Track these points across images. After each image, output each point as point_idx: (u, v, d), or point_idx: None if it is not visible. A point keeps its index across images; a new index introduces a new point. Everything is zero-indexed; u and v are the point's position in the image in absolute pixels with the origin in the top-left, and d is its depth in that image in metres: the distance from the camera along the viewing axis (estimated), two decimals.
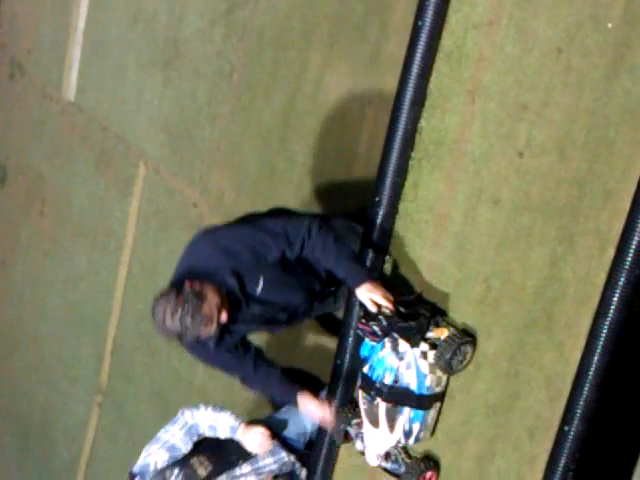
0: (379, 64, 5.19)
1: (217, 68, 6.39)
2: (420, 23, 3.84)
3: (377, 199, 4.08)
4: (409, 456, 4.16)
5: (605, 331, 3.37)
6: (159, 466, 4.46)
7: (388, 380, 3.95)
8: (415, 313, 3.92)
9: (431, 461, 4.10)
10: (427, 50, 3.86)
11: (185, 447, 4.52)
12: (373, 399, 4.00)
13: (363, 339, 4.04)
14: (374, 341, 3.95)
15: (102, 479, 8.27)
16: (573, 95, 3.49)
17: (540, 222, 3.62)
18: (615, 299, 3.33)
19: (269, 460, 4.58)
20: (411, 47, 3.89)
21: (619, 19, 3.35)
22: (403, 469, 4.12)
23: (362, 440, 4.21)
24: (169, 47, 6.84)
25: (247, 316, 4.10)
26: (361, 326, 3.96)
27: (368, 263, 4.11)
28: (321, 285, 4.27)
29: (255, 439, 4.53)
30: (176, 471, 4.43)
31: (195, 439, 4.57)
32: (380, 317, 3.89)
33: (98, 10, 7.75)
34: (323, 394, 4.43)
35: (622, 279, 3.31)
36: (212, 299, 3.86)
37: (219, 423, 4.54)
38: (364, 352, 4.07)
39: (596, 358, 3.41)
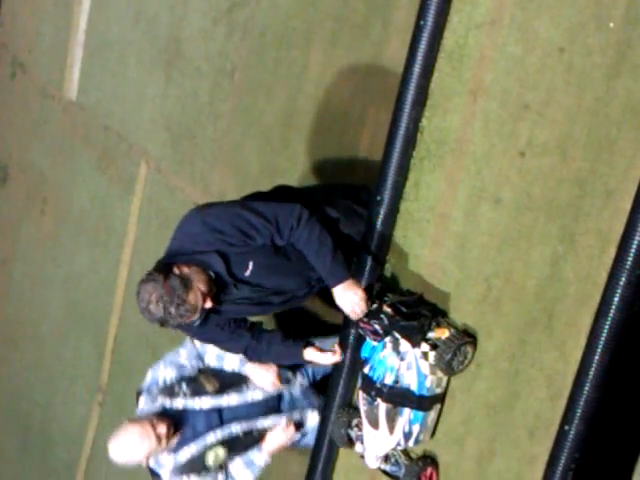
0: (381, 63, 5.19)
1: (219, 67, 6.39)
2: (422, 22, 3.84)
3: (378, 198, 4.08)
4: (409, 458, 4.16)
5: (606, 331, 3.37)
6: (168, 382, 4.44)
7: (389, 380, 3.95)
8: (416, 313, 3.92)
9: (430, 459, 4.09)
10: (429, 49, 3.86)
11: (192, 369, 4.50)
12: (373, 400, 4.00)
13: (364, 340, 4.05)
14: (375, 340, 3.95)
15: (102, 478, 8.26)
16: (575, 95, 3.49)
17: (541, 222, 3.62)
18: (616, 299, 3.33)
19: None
20: (413, 46, 3.89)
21: (621, 19, 3.35)
22: (403, 471, 4.12)
23: (362, 442, 4.21)
24: (171, 46, 6.85)
25: (236, 298, 4.09)
26: (362, 325, 3.97)
27: (369, 262, 4.12)
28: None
29: (266, 376, 4.50)
30: (184, 386, 4.40)
31: (201, 366, 4.55)
32: (382, 316, 3.89)
33: (100, 9, 7.76)
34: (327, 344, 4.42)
35: (623, 279, 3.31)
36: (198, 286, 3.85)
37: (227, 357, 4.52)
38: (365, 353, 4.07)
39: (597, 358, 3.41)
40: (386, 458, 4.15)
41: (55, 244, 8.56)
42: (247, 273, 4.02)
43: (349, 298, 3.95)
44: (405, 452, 4.16)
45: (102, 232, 7.86)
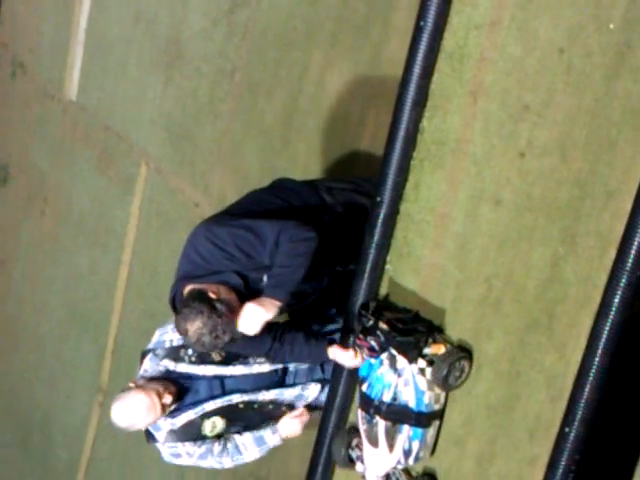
0: (381, 64, 5.19)
1: (219, 67, 6.39)
2: (422, 23, 3.83)
3: (378, 199, 4.08)
4: (410, 476, 4.15)
5: (606, 332, 3.37)
6: (174, 344, 4.43)
7: (387, 397, 3.95)
8: (412, 329, 3.93)
9: (431, 477, 4.09)
10: (429, 50, 3.85)
11: None
12: (372, 417, 4.01)
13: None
14: (372, 356, 3.96)
15: (102, 478, 8.27)
16: (575, 96, 3.49)
17: (542, 223, 3.62)
18: (616, 300, 3.33)
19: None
20: (413, 47, 3.89)
21: (621, 20, 3.35)
22: None
23: (362, 462, 4.20)
24: (171, 46, 6.85)
25: None
26: (359, 341, 3.98)
27: (369, 264, 4.12)
28: (332, 273, 4.26)
29: None
30: (190, 351, 4.39)
31: None
32: (378, 332, 3.90)
33: (100, 9, 7.76)
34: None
35: (623, 280, 3.31)
36: (233, 300, 3.89)
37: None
38: (362, 371, 4.07)
39: (597, 359, 3.41)
40: (387, 477, 4.15)
41: (55, 244, 8.57)
42: (262, 285, 4.03)
43: (258, 315, 3.92)
44: (406, 471, 4.16)
45: (102, 233, 7.86)
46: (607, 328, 3.36)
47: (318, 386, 4.60)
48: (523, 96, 3.65)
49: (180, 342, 4.38)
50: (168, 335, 4.43)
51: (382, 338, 3.89)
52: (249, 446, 4.53)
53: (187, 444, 4.41)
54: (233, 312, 3.85)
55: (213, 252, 3.97)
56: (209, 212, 6.43)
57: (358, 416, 4.11)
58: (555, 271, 3.59)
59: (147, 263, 7.34)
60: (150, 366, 4.41)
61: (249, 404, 4.46)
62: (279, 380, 4.55)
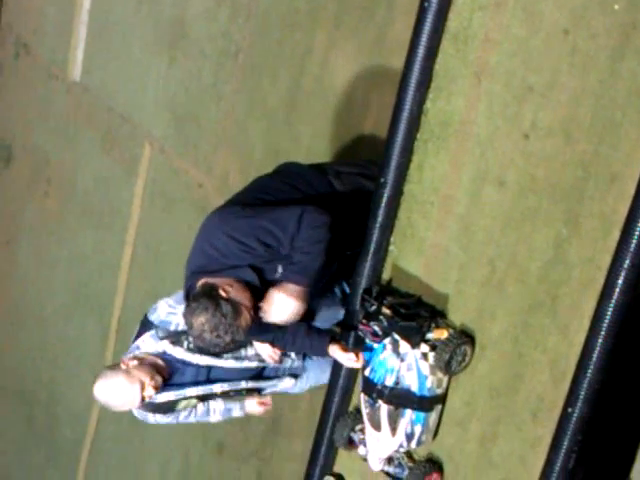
0: (385, 45, 5.18)
1: (222, 48, 6.38)
2: (426, 4, 3.82)
3: (382, 180, 4.08)
4: (412, 460, 4.17)
5: (609, 313, 3.37)
6: (179, 329, 4.45)
7: (389, 382, 3.96)
8: (415, 314, 3.94)
9: (434, 463, 4.11)
10: (433, 31, 3.84)
11: None
12: (375, 401, 4.01)
13: (364, 342, 4.06)
14: (374, 341, 3.97)
15: (106, 458, 8.31)
16: (579, 77, 3.48)
17: (545, 204, 3.62)
18: (620, 282, 3.33)
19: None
20: (417, 28, 3.88)
21: (626, 1, 3.33)
22: (406, 473, 4.13)
23: (365, 445, 4.22)
24: (174, 27, 6.84)
25: None
26: (362, 326, 3.98)
27: (372, 245, 4.12)
28: (341, 257, 4.28)
29: (267, 349, 4.52)
30: (191, 338, 4.42)
31: None
32: (380, 317, 3.91)
33: None
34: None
35: (627, 262, 3.31)
36: (245, 305, 3.89)
37: None
38: (365, 356, 4.08)
39: (600, 340, 3.41)
40: (389, 460, 4.16)
41: (59, 225, 8.58)
42: (277, 275, 4.03)
43: (285, 304, 3.97)
44: (409, 454, 4.17)
45: (106, 213, 7.87)
46: (610, 309, 3.37)
47: (292, 380, 4.70)
48: (527, 77, 3.64)
49: (184, 328, 4.40)
50: (175, 318, 4.44)
51: (385, 323, 3.90)
52: (217, 413, 4.64)
53: (157, 415, 4.53)
54: (239, 314, 3.85)
55: (230, 245, 3.93)
56: (212, 192, 6.44)
57: (361, 400, 4.12)
58: (559, 253, 3.59)
59: (151, 243, 7.35)
60: (148, 342, 4.43)
61: (226, 392, 4.55)
62: (258, 373, 4.61)
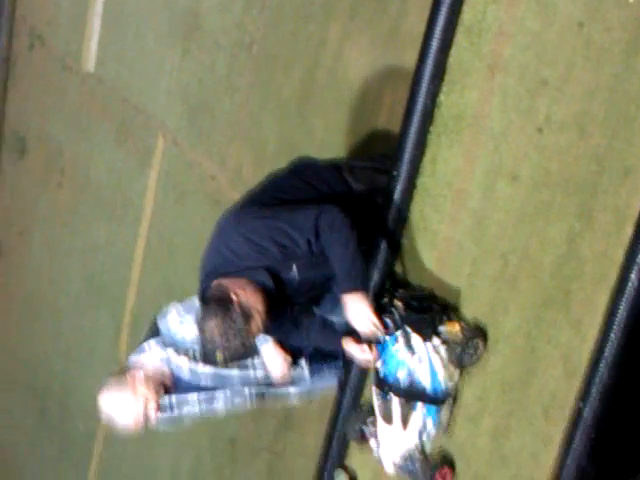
0: (399, 38, 5.16)
1: (236, 40, 6.37)
2: None
3: (395, 173, 4.08)
4: (424, 454, 4.16)
5: (622, 308, 3.37)
6: (187, 343, 4.46)
7: (401, 375, 3.96)
8: (427, 307, 3.93)
9: (446, 458, 4.10)
10: (447, 24, 3.83)
11: None
12: (386, 395, 4.02)
13: (383, 350, 4.06)
14: (386, 334, 3.96)
15: (118, 450, 8.32)
16: (593, 71, 3.46)
17: (559, 198, 3.61)
18: (633, 276, 3.33)
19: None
20: (431, 21, 3.87)
21: None
22: (418, 466, 4.13)
23: (376, 439, 4.22)
24: (188, 18, 6.83)
25: (284, 296, 4.09)
26: None
27: (384, 240, 4.11)
28: None
29: (278, 365, 4.50)
30: (197, 348, 4.42)
31: None
32: (392, 310, 3.90)
33: None
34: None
35: None
36: (257, 310, 3.87)
37: None
38: (377, 349, 4.07)
39: (613, 335, 3.40)
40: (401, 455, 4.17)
41: (73, 216, 8.59)
42: (292, 274, 4.01)
43: (358, 311, 3.93)
44: (420, 449, 4.17)
45: (119, 205, 7.88)
46: (623, 304, 3.36)
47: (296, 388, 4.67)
48: (541, 71, 3.62)
49: (193, 340, 4.42)
50: (184, 329, 4.44)
51: (397, 316, 3.90)
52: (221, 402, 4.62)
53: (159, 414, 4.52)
54: (250, 318, 3.83)
55: (246, 247, 3.92)
56: (226, 185, 6.43)
57: (373, 393, 4.12)
58: (572, 247, 3.57)
59: (164, 235, 7.36)
60: (154, 349, 4.44)
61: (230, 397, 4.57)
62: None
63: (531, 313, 3.74)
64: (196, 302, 4.17)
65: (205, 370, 4.43)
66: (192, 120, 6.87)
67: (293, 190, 4.18)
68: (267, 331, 4.21)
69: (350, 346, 4.19)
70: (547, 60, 3.60)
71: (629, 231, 3.36)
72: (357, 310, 3.92)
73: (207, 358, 4.35)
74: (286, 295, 4.11)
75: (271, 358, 4.49)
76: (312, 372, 4.67)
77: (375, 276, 4.16)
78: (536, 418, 3.74)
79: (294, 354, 4.56)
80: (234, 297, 3.84)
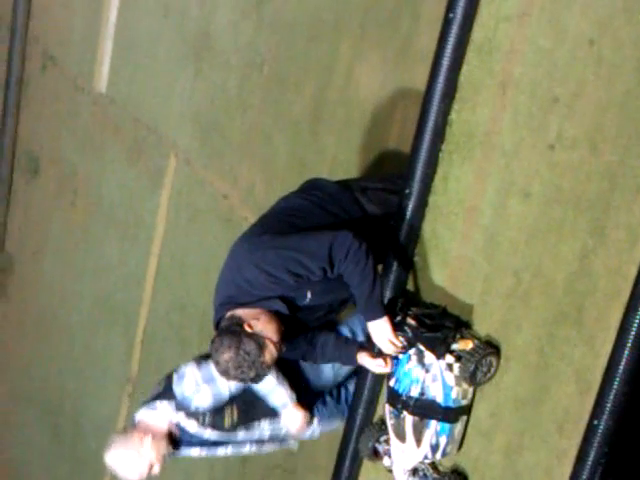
0: (410, 56, 5.18)
1: (248, 60, 6.40)
2: (451, 15, 3.83)
3: (407, 191, 4.08)
4: (437, 471, 4.16)
5: (636, 325, 3.36)
6: (199, 411, 4.47)
7: (414, 393, 3.96)
8: (440, 325, 3.94)
9: (460, 475, 4.09)
10: (458, 42, 3.85)
11: (226, 397, 4.52)
12: (400, 412, 4.02)
13: (396, 359, 4.06)
14: (400, 352, 3.96)
15: None
16: (605, 87, 3.47)
17: (571, 215, 3.61)
18: None
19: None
20: (442, 39, 3.88)
21: None
22: None
23: (390, 456, 4.21)
24: (200, 39, 6.86)
25: (299, 321, 4.11)
26: None
27: (397, 258, 4.12)
28: None
29: (299, 423, 4.56)
30: (208, 415, 4.44)
31: (239, 392, 4.55)
32: (405, 328, 3.91)
33: (129, 2, 7.78)
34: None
35: None
36: (271, 339, 3.87)
37: (275, 395, 4.52)
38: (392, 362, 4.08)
39: (626, 352, 3.40)
40: (414, 471, 4.15)
41: (85, 236, 8.62)
42: (307, 301, 4.02)
43: (382, 335, 3.97)
44: (434, 466, 4.16)
45: (131, 224, 7.90)
46: (637, 321, 3.35)
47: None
48: (553, 88, 3.64)
49: (204, 409, 4.45)
50: (198, 398, 4.45)
51: (410, 334, 3.90)
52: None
53: None
54: (264, 349, 3.83)
55: (260, 278, 3.89)
56: (238, 204, 6.45)
57: (386, 411, 4.12)
58: (584, 264, 3.57)
59: (176, 255, 7.37)
60: (166, 409, 4.48)
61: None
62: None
63: (544, 330, 3.74)
64: (213, 369, 4.15)
65: (212, 436, 4.53)
66: (204, 139, 6.90)
67: (305, 213, 4.16)
68: (282, 354, 4.22)
69: (365, 360, 4.20)
70: (558, 77, 3.62)
71: None
72: (381, 334, 3.96)
73: (215, 424, 4.42)
74: (301, 321, 4.13)
75: (293, 419, 4.54)
76: (320, 422, 4.73)
77: (388, 294, 4.17)
78: (550, 434, 3.74)
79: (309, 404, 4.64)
80: (248, 328, 3.84)
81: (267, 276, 3.88)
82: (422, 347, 3.91)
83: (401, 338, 3.94)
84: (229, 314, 3.95)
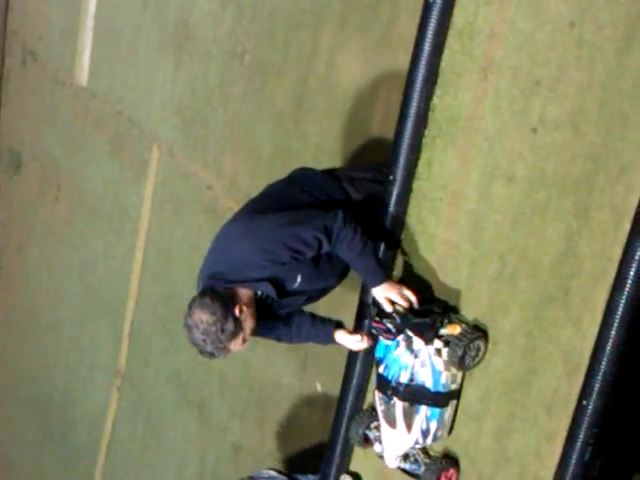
0: (391, 43, 5.18)
1: (228, 50, 6.38)
2: (431, 0, 3.83)
3: (391, 178, 4.09)
4: (428, 456, 4.17)
5: (622, 305, 3.38)
6: None
7: (404, 379, 3.97)
8: (428, 310, 3.94)
9: (451, 459, 4.11)
10: (439, 27, 3.85)
11: None
12: (390, 399, 4.03)
13: (377, 340, 4.06)
14: (388, 339, 3.97)
15: (122, 461, 8.32)
16: (586, 69, 3.48)
17: (555, 198, 3.62)
18: (631, 273, 3.34)
19: None
20: (422, 25, 3.88)
21: None
22: (423, 469, 4.13)
23: (380, 442, 4.22)
24: (180, 30, 6.84)
25: (279, 306, 4.10)
26: (375, 324, 3.99)
27: (383, 245, 4.13)
28: None
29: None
30: None
31: None
32: (394, 314, 3.91)
33: None
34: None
35: (638, 253, 3.31)
36: (245, 329, 3.86)
37: None
38: (379, 353, 4.09)
39: (613, 332, 3.42)
40: (405, 457, 4.17)
41: (70, 230, 8.59)
42: (295, 285, 4.01)
43: (391, 295, 3.97)
44: (425, 451, 4.17)
45: (116, 217, 7.88)
46: (623, 301, 3.37)
47: None
48: (534, 71, 3.64)
49: None
50: None
51: (398, 320, 3.91)
52: None
53: None
54: (235, 337, 3.82)
55: (255, 256, 3.86)
56: (222, 194, 6.44)
57: (375, 397, 4.13)
58: (569, 246, 3.59)
59: (161, 247, 7.36)
60: None
61: None
62: None
63: (531, 313, 3.75)
64: None
65: None
66: (186, 131, 6.89)
67: (293, 200, 4.16)
68: (260, 335, 4.22)
69: (343, 338, 4.21)
70: (539, 60, 3.62)
71: (626, 228, 3.37)
72: (389, 296, 3.96)
73: None
74: (284, 305, 4.12)
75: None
76: None
77: None
78: (539, 416, 3.75)
79: None
80: (237, 312, 3.83)
81: (263, 254, 3.86)
82: (411, 333, 3.91)
83: (389, 325, 3.94)
84: (227, 287, 3.89)
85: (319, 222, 3.88)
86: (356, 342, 4.18)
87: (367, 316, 4.18)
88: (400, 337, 3.95)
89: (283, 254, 3.86)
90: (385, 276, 3.99)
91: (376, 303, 4.00)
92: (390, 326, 3.93)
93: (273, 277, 3.91)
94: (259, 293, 3.94)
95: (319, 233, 3.87)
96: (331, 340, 4.28)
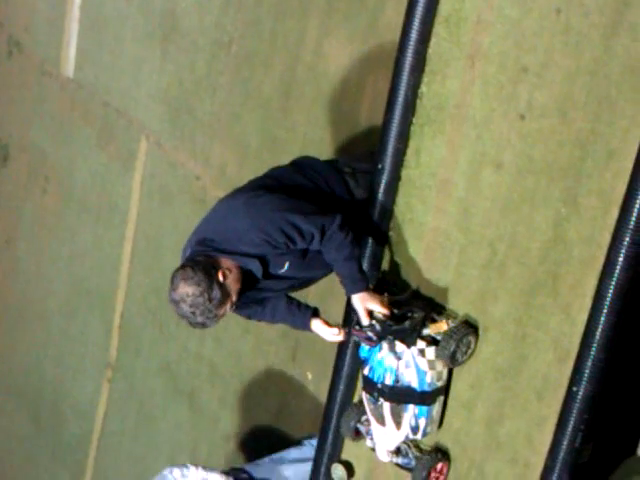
0: (378, 31, 5.17)
1: (215, 39, 6.37)
2: None
3: (379, 166, 4.08)
4: (419, 449, 4.18)
5: (611, 291, 3.38)
6: None
7: (389, 381, 3.97)
8: (408, 313, 3.94)
9: (442, 453, 4.11)
10: (425, 15, 3.84)
11: None
12: (376, 400, 4.03)
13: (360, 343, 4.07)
14: (370, 346, 3.97)
15: (114, 453, 8.32)
16: (573, 56, 3.48)
17: (543, 184, 3.62)
18: (620, 259, 3.34)
19: None
20: (409, 12, 3.87)
21: None
22: (414, 463, 4.14)
23: (372, 437, 4.23)
24: (166, 20, 6.82)
25: (262, 288, 4.10)
26: (355, 332, 3.98)
27: (372, 233, 4.13)
28: None
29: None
30: None
31: None
32: (373, 322, 3.91)
33: None
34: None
35: (626, 239, 3.32)
36: (232, 297, 3.86)
37: None
38: (363, 353, 4.08)
39: (603, 318, 3.42)
40: (397, 451, 4.17)
41: (58, 222, 8.57)
42: (282, 271, 4.02)
43: (369, 304, 3.97)
44: (416, 444, 4.18)
45: (105, 209, 7.86)
46: (612, 287, 3.38)
47: None
48: (521, 58, 3.64)
49: None
50: None
51: (378, 328, 3.89)
52: None
53: None
54: (224, 303, 3.82)
55: (252, 233, 3.88)
56: (210, 184, 6.44)
57: (363, 397, 4.13)
58: (558, 232, 3.59)
59: (151, 238, 7.35)
60: None
61: None
62: None
63: (520, 299, 3.76)
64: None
65: None
66: (174, 121, 6.87)
67: (296, 186, 4.18)
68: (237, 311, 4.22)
69: (319, 327, 4.22)
70: (526, 47, 3.62)
71: (614, 214, 3.38)
72: (368, 305, 3.97)
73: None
74: (264, 287, 4.12)
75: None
76: None
77: (365, 269, 4.17)
78: (530, 403, 3.76)
79: None
80: (221, 277, 3.82)
81: (260, 232, 3.86)
82: (392, 338, 3.92)
83: (369, 334, 3.93)
84: (208, 254, 3.89)
85: (319, 219, 3.91)
86: (332, 335, 4.19)
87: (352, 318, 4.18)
88: (382, 342, 3.95)
89: (278, 237, 3.87)
90: (366, 286, 4.01)
91: (355, 312, 4.01)
92: (370, 334, 3.91)
93: (262, 256, 3.92)
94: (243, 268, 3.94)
95: (315, 229, 3.89)
96: (306, 327, 4.28)
